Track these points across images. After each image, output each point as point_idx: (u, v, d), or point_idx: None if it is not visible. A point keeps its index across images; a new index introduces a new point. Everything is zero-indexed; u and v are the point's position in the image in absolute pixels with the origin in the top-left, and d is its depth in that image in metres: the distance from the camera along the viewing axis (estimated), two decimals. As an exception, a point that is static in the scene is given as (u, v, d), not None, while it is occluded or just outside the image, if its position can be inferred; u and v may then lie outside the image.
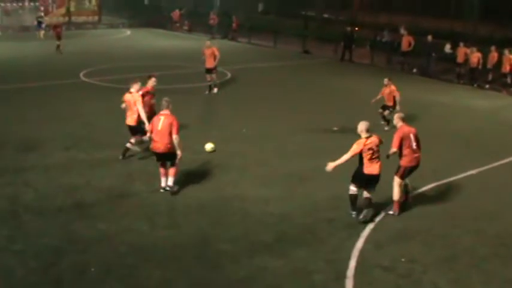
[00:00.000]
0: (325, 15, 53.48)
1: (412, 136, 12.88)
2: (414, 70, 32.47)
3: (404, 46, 32.75)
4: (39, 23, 43.12)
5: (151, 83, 16.61)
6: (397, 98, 19.82)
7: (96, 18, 50.54)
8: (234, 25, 43.86)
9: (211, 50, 24.62)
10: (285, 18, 49.21)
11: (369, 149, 12.41)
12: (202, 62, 25.00)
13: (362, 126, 12.58)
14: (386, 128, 19.30)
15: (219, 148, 16.89)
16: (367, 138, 12.48)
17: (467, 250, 11.55)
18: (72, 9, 49.97)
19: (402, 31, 33.35)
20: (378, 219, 12.72)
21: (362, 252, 11.21)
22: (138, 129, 15.63)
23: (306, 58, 36.86)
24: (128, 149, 15.90)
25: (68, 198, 13.28)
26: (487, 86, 29.23)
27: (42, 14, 46.61)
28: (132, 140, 15.89)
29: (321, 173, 13.76)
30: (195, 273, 10.25)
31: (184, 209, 12.91)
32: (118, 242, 11.27)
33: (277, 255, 10.96)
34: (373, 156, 12.47)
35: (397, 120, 13.21)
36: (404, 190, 13.32)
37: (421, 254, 11.27)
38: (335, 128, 19.73)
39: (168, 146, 13.43)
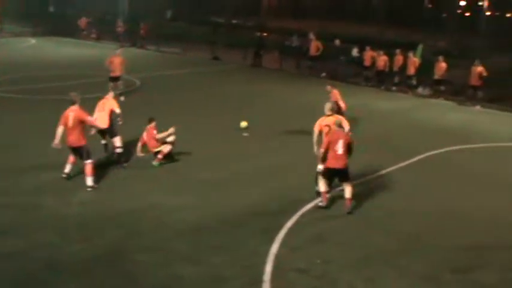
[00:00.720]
0: (234, 21, 53.99)
1: (340, 142, 13.47)
2: (323, 74, 33.17)
3: (313, 51, 33.42)
4: None
5: None
6: (342, 104, 19.40)
7: None
8: (142, 32, 43.59)
9: (120, 58, 24.38)
10: (193, 25, 49.26)
11: (326, 125, 14.07)
12: (109, 70, 24.75)
13: (326, 106, 14.52)
14: None
15: (129, 156, 16.64)
16: (326, 116, 14.28)
17: (380, 248, 11.88)
18: None
19: (311, 36, 34.04)
20: (291, 223, 12.91)
21: (277, 256, 11.30)
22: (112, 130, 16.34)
23: (215, 64, 37.05)
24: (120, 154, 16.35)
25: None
26: (394, 88, 30.29)
27: None
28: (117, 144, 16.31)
29: (233, 180, 13.93)
30: (110, 286, 10.10)
31: (97, 221, 12.67)
32: (29, 258, 10.92)
33: (193, 263, 10.93)
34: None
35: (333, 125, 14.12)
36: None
37: (336, 255, 11.48)
38: (245, 134, 19.84)
39: (79, 139, 14.23)
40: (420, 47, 32.17)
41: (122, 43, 42.76)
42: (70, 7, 54.65)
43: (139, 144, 16.88)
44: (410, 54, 29.83)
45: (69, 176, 14.88)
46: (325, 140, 13.80)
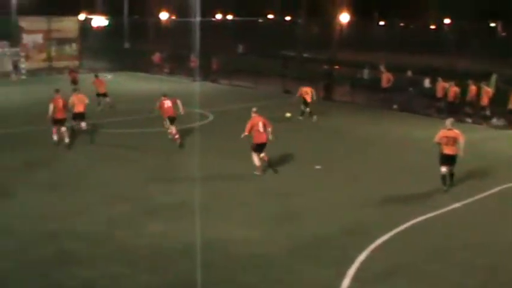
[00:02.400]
0: (305, 55, 53.99)
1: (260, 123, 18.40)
2: (394, 106, 32.71)
3: (384, 83, 33.01)
4: (16, 66, 44.19)
5: None
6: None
7: (76, 62, 49.82)
8: (214, 67, 43.92)
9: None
10: (265, 59, 49.44)
11: (445, 137, 17.29)
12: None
13: (447, 121, 17.70)
14: None
15: (200, 189, 16.51)
16: (447, 130, 17.39)
17: (455, 284, 11.41)
18: (52, 54, 49.80)
19: (381, 68, 33.67)
20: (363, 256, 12.55)
21: (349, 291, 11.16)
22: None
23: (286, 97, 36.28)
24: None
25: (49, 246, 12.91)
26: (469, 119, 29.37)
27: (22, 58, 46.67)
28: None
29: (305, 212, 13.67)
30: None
31: (166, 252, 12.65)
32: (99, 288, 11.09)
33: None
34: (448, 143, 17.23)
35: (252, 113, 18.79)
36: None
37: (408, 291, 11.22)
38: (318, 167, 19.65)
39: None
40: (494, 77, 30.82)
41: (194, 77, 43.40)
42: (144, 43, 55.99)
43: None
44: (484, 85, 29.09)
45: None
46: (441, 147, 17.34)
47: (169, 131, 22.94)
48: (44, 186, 17.32)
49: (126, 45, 57.53)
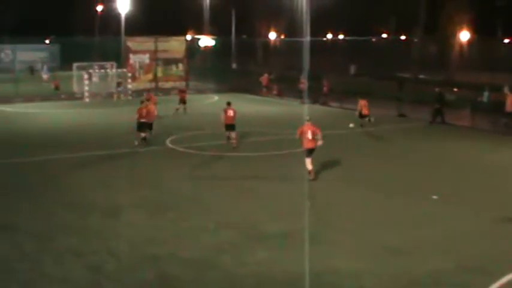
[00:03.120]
0: (421, 76, 52.84)
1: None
2: (520, 132, 31.51)
3: (509, 106, 31.89)
4: (119, 85, 47.13)
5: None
6: None
7: (183, 83, 51.01)
8: (324, 89, 43.56)
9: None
10: (378, 81, 48.70)
11: None
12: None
13: None
14: None
15: (308, 217, 16.04)
16: None
17: None
18: (159, 74, 51.40)
19: (505, 90, 32.44)
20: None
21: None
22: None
23: (401, 122, 36.19)
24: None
25: (151, 270, 13.15)
26: None
27: (129, 79, 48.62)
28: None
29: (417, 245, 13.22)
30: None
31: (271, 283, 12.62)
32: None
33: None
34: None
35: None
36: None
37: None
38: (435, 197, 19.09)
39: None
40: None
41: (303, 99, 43.31)
42: (252, 63, 56.66)
43: None
44: None
45: None
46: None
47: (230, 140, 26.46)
48: (149, 208, 17.73)
49: (234, 65, 58.90)
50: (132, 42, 50.95)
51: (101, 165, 23.81)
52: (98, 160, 24.58)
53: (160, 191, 19.76)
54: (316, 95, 44.12)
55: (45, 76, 61.27)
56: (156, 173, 22.25)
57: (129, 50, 50.47)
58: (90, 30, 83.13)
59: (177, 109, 37.58)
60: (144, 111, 27.48)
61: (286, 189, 20.03)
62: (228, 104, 27.12)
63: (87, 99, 45.78)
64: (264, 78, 50.89)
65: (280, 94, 48.93)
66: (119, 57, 51.34)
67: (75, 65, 50.47)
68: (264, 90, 50.29)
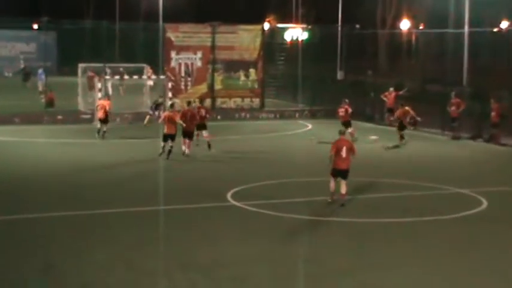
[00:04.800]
0: None
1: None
2: None
3: None
4: (157, 106, 44.72)
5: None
6: None
7: (256, 101, 50.45)
8: (493, 115, 40.95)
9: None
10: None
11: None
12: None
13: None
14: None
15: None
16: None
17: None
18: (218, 86, 49.51)
19: None
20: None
21: None
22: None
23: None
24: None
25: None
26: None
27: (169, 92, 47.32)
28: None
29: None
30: None
31: None
32: None
33: None
34: None
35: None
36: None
37: None
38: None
39: None
40: None
41: (456, 132, 42.61)
42: (370, 71, 54.37)
43: None
44: None
45: None
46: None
47: None
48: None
49: (340, 74, 56.48)
50: (176, 33, 49.22)
51: (116, 235, 22.70)
52: (107, 224, 23.72)
53: (220, 279, 19.05)
54: (478, 126, 42.51)
55: (40, 84, 60.24)
56: (212, 248, 21.49)
57: (170, 46, 48.50)
58: (104, 12, 78.87)
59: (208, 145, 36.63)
60: (189, 114, 33.38)
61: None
62: (342, 133, 26.49)
63: (98, 124, 43.24)
64: (390, 96, 47.89)
65: (415, 123, 45.40)
66: (153, 56, 49.45)
67: (81, 65, 49.72)
68: (388, 114, 48.00)
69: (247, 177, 30.72)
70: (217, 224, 23.90)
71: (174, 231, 22.99)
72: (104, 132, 39.39)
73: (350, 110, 43.38)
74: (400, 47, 66.37)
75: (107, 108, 39.91)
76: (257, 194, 27.96)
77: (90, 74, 49.59)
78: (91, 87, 49.25)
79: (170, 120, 33.05)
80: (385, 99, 48.23)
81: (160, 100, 45.55)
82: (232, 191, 27.74)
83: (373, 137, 36.53)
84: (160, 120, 33.49)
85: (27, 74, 65.92)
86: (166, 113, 33.93)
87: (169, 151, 32.93)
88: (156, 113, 43.81)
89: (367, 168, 31.54)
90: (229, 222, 24.28)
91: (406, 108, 38.83)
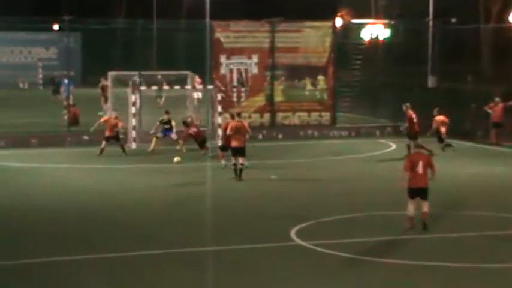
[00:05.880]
0: None
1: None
2: None
3: None
4: (166, 129, 44.03)
5: None
6: None
7: (326, 116, 50.99)
8: None
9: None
10: None
11: None
12: None
13: None
14: None
15: None
16: None
17: None
18: (278, 98, 49.69)
19: None
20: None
21: None
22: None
23: None
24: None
25: None
26: None
27: (218, 105, 47.03)
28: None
29: None
30: None
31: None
32: None
33: None
34: None
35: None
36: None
37: None
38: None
39: None
40: None
41: None
42: (471, 77, 54.70)
43: None
44: None
45: None
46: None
47: None
48: None
49: (432, 80, 56.49)
50: (226, 33, 49.84)
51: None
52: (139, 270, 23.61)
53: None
54: None
55: (65, 97, 58.08)
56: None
57: (219, 48, 48.89)
58: (139, 9, 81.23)
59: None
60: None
61: None
62: (418, 146, 30.25)
63: (134, 145, 45.01)
64: (496, 108, 47.66)
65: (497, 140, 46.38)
66: (198, 62, 50.14)
67: (110, 74, 50.35)
68: (494, 132, 47.80)
69: (316, 211, 30.91)
70: (278, 268, 23.84)
71: (224, 276, 23.08)
72: (102, 150, 41.85)
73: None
74: (509, 47, 66.97)
75: (119, 126, 42.31)
76: (327, 231, 28.36)
77: (105, 82, 50.06)
78: (106, 98, 50.32)
79: (239, 131, 34.60)
80: (490, 111, 47.92)
81: (190, 119, 44.13)
82: (297, 228, 28.13)
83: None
84: (228, 132, 35.31)
85: (57, 85, 66.40)
86: (233, 123, 35.57)
87: (241, 170, 34.77)
88: (168, 134, 43.99)
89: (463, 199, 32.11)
90: (293, 267, 24.13)
91: (442, 117, 42.70)
